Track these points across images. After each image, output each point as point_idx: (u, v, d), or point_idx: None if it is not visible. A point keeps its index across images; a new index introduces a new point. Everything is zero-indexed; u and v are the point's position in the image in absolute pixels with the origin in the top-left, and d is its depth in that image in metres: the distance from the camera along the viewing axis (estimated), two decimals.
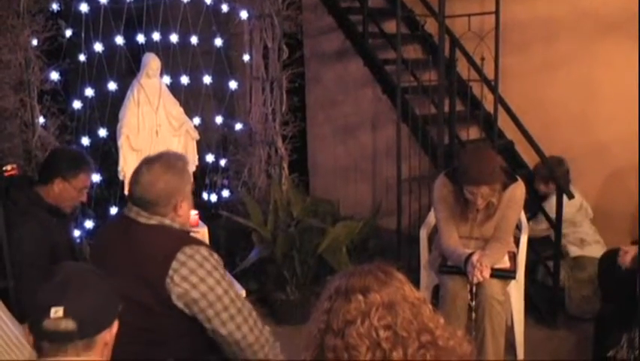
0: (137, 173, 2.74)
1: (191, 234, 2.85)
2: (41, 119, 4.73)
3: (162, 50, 5.22)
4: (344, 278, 1.66)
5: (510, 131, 5.59)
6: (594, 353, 3.84)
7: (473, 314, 3.89)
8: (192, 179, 2.87)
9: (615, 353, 3.50)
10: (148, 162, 2.75)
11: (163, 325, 2.60)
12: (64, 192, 3.61)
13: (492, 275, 3.91)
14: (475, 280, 3.83)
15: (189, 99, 5.43)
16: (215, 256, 2.66)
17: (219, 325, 2.59)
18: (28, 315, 1.87)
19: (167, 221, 2.69)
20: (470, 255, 3.90)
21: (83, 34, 4.92)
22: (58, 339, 1.80)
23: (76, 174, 3.63)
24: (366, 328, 1.56)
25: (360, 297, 1.60)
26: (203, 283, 2.55)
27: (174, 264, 2.54)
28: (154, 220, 2.68)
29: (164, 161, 2.75)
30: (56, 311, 1.78)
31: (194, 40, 5.53)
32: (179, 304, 2.56)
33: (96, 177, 5.18)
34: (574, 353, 4.38)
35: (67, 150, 4.40)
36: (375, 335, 1.56)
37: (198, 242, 2.70)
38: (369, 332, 1.56)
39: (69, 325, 1.78)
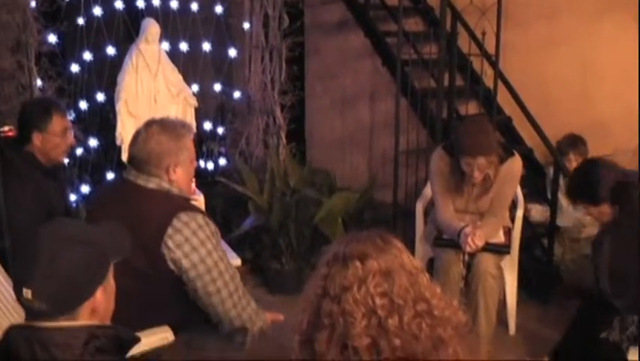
0: (136, 133, 2.77)
1: (191, 202, 2.86)
2: (39, 82, 4.70)
3: (162, 15, 5.19)
4: (342, 244, 1.66)
5: (509, 108, 5.57)
6: (581, 332, 3.82)
7: (466, 287, 3.91)
8: (193, 149, 2.84)
9: (607, 334, 3.50)
10: (148, 123, 2.78)
11: (159, 290, 2.62)
12: (46, 143, 3.51)
13: (486, 249, 3.92)
14: (467, 249, 3.84)
15: (188, 66, 5.40)
16: (212, 225, 2.67)
17: (205, 295, 2.62)
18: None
19: (165, 185, 2.69)
20: (464, 227, 3.91)
21: None
22: (34, 314, 1.78)
23: (48, 120, 3.51)
24: (363, 294, 1.56)
25: (358, 263, 1.60)
26: (195, 253, 2.57)
27: (169, 230, 2.55)
28: (152, 183, 2.68)
29: (163, 123, 2.77)
30: (26, 292, 1.75)
31: (194, 6, 5.50)
32: (174, 270, 2.58)
33: (93, 142, 5.18)
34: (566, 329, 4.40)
35: (33, 100, 4.36)
36: (371, 302, 1.56)
37: (195, 209, 2.71)
38: (365, 299, 1.56)
39: (40, 305, 1.75)
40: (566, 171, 4.89)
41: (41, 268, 1.76)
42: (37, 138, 3.51)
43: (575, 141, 5.16)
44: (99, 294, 1.84)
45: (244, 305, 2.70)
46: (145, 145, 2.68)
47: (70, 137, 3.64)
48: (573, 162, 5.08)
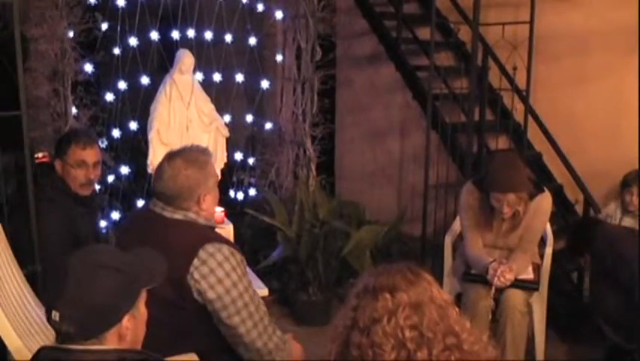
0: (159, 168, 2.75)
1: (217, 230, 2.87)
2: (74, 110, 4.78)
3: (196, 46, 5.26)
4: (372, 276, 1.66)
5: (539, 143, 5.56)
6: None
7: (494, 323, 3.89)
8: (217, 173, 2.87)
9: None
10: (170, 157, 2.75)
11: (186, 319, 2.61)
12: (65, 172, 3.57)
13: (515, 285, 3.90)
14: (496, 282, 3.81)
15: (221, 97, 5.45)
16: (237, 255, 2.65)
17: (230, 326, 2.61)
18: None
19: (191, 215, 2.69)
20: (493, 262, 3.89)
21: (118, 28, 4.97)
22: (64, 337, 1.81)
23: (67, 149, 3.57)
24: (392, 327, 1.56)
25: (388, 296, 1.60)
26: (220, 285, 2.56)
27: (195, 261, 2.55)
28: (178, 215, 2.69)
29: (185, 155, 2.75)
30: (55, 315, 1.78)
31: (228, 38, 5.56)
32: (200, 300, 2.59)
33: (125, 170, 5.23)
34: None
35: (67, 130, 4.43)
36: (400, 335, 1.56)
37: (221, 239, 2.70)
38: (394, 332, 1.56)
39: (69, 328, 1.78)
40: (626, 205, 4.90)
41: (70, 292, 1.79)
42: (58, 166, 3.60)
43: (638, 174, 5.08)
44: (126, 321, 1.86)
45: (270, 334, 2.69)
46: (174, 182, 2.67)
47: (90, 171, 3.63)
48: (634, 195, 5.00)
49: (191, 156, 2.76)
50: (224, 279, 2.56)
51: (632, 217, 4.99)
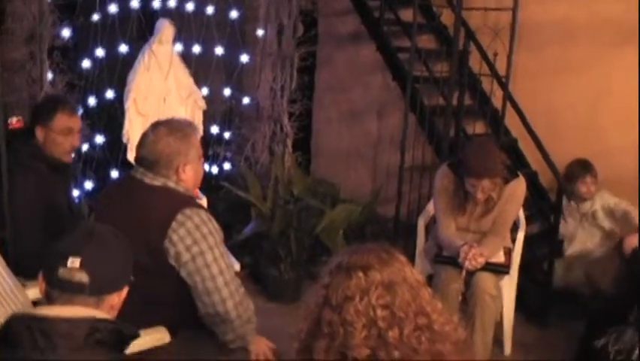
0: (143, 135, 2.81)
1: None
2: (49, 75, 4.70)
3: (176, 17, 5.20)
4: (346, 255, 1.67)
5: (516, 129, 5.57)
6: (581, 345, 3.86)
7: (463, 305, 3.91)
8: (200, 146, 2.88)
9: (605, 343, 3.49)
10: (155, 126, 2.82)
11: (158, 287, 2.62)
12: (48, 139, 3.51)
13: (486, 268, 3.93)
14: (467, 265, 3.84)
15: (199, 69, 5.41)
16: (215, 223, 2.69)
17: (204, 292, 2.62)
18: (36, 263, 1.90)
19: (171, 183, 2.73)
20: (464, 244, 3.92)
21: None
22: (68, 289, 1.81)
23: (52, 116, 3.51)
24: (364, 305, 1.57)
25: (361, 274, 1.61)
26: (196, 246, 2.59)
27: (173, 224, 2.59)
28: (158, 181, 2.71)
29: (170, 124, 2.81)
30: (73, 262, 1.80)
31: (209, 10, 5.51)
32: (175, 265, 2.60)
33: (99, 139, 5.18)
34: (562, 352, 4.38)
35: (48, 95, 4.37)
36: (372, 314, 1.57)
37: (199, 206, 2.74)
38: (366, 310, 1.57)
39: (83, 277, 1.80)
40: (579, 195, 4.93)
41: (93, 246, 1.85)
42: (40, 133, 3.53)
43: (587, 165, 5.08)
44: (123, 293, 1.94)
45: (245, 307, 2.71)
46: (154, 147, 2.72)
47: (75, 138, 3.61)
48: (590, 185, 5.02)
49: (175, 125, 2.82)
50: (201, 241, 2.60)
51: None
